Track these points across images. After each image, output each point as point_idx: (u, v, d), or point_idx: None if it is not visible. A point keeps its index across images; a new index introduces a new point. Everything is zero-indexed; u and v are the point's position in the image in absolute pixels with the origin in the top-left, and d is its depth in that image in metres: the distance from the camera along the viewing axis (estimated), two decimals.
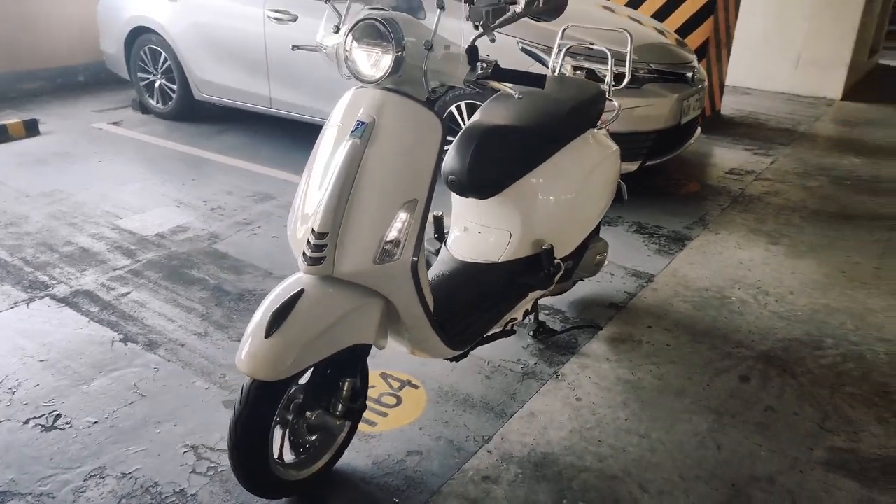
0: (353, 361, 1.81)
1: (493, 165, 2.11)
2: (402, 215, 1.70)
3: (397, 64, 1.67)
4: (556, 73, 2.70)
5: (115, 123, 5.30)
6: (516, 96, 1.74)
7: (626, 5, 5.28)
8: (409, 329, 1.85)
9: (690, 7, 5.11)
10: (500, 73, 1.75)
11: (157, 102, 5.47)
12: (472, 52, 1.73)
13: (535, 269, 2.27)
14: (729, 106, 6.16)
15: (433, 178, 1.73)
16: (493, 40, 1.77)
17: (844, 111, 6.17)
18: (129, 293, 2.90)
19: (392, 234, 1.69)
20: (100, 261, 3.16)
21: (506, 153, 2.14)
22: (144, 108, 5.57)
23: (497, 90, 1.77)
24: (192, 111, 5.34)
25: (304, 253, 1.72)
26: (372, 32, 1.71)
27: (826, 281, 3.12)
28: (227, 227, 3.54)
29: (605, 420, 2.21)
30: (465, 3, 1.76)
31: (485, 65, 1.74)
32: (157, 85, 5.41)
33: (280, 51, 4.55)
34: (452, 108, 3.95)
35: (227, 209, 3.76)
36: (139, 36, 5.30)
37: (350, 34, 1.73)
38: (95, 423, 2.15)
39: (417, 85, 1.76)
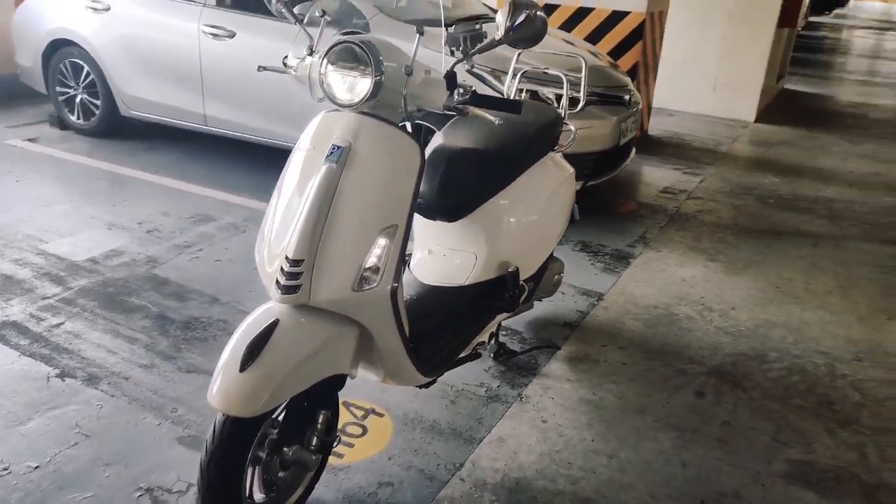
0: (328, 393, 1.74)
1: (463, 188, 2.10)
2: (382, 241, 1.66)
3: (376, 88, 1.64)
4: (511, 97, 2.72)
5: (31, 140, 4.99)
6: (496, 122, 1.74)
7: (559, 28, 5.42)
8: (384, 357, 1.80)
9: (621, 32, 5.29)
10: (477, 99, 1.75)
11: (78, 118, 5.18)
12: (451, 77, 1.73)
13: (501, 292, 2.26)
14: (656, 127, 6.40)
15: (413, 203, 1.70)
16: (471, 66, 1.77)
17: (759, 133, 6.52)
18: (62, 324, 2.71)
19: (371, 261, 1.65)
20: (26, 289, 2.94)
21: (474, 176, 2.13)
22: (63, 124, 5.27)
23: (463, 114, 1.76)
24: (117, 127, 5.10)
25: (276, 281, 1.65)
26: (348, 56, 1.68)
27: (763, 296, 3.26)
28: (165, 251, 3.37)
29: (572, 441, 2.22)
30: (444, 28, 1.75)
31: (462, 90, 1.74)
32: (78, 100, 5.13)
33: (216, 67, 4.40)
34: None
35: (165, 231, 3.59)
36: (59, 49, 5.03)
37: (325, 57, 1.69)
38: (37, 467, 1.99)
39: (393, 109, 1.74)
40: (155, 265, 3.23)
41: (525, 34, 1.63)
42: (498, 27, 1.66)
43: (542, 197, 2.36)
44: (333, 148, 1.69)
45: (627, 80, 4.37)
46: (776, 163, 5.54)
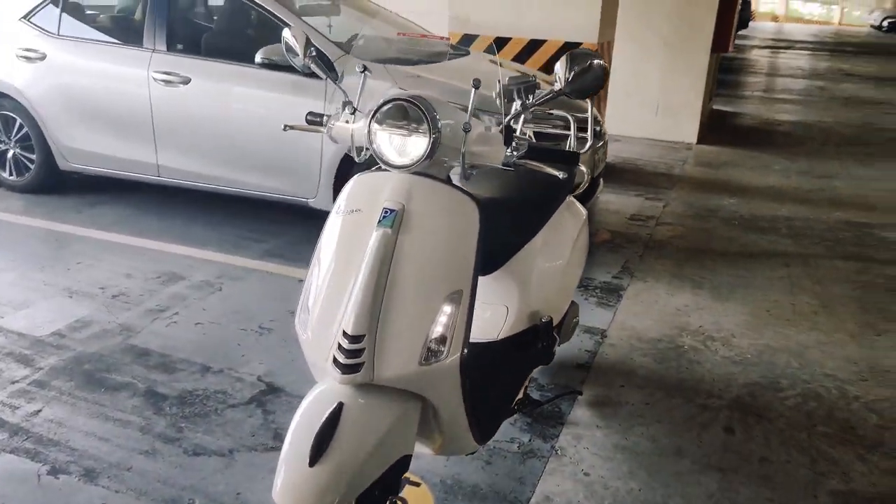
0: (396, 476, 1.60)
1: (496, 240, 2.01)
2: (447, 308, 1.54)
3: (433, 148, 1.54)
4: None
5: None
6: (560, 177, 1.67)
7: (516, 59, 5.45)
8: (445, 428, 1.68)
9: None
10: (535, 153, 1.67)
11: (10, 174, 4.81)
12: (508, 131, 1.64)
13: (533, 343, 2.18)
14: (609, 153, 6.51)
15: (476, 264, 1.59)
16: (529, 119, 1.69)
17: (703, 154, 6.74)
18: (39, 411, 2.44)
19: (437, 331, 1.53)
20: None
21: (507, 226, 2.05)
22: None
23: (520, 169, 1.68)
24: (54, 182, 4.76)
25: (334, 359, 1.50)
26: (398, 115, 1.57)
27: (756, 321, 3.30)
28: (138, 317, 3.12)
29: (619, 494, 2.14)
30: (499, 82, 1.67)
31: (518, 144, 1.66)
32: (10, 155, 4.76)
33: (170, 115, 4.17)
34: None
35: (132, 295, 3.33)
36: None
37: (373, 117, 1.58)
38: None
39: (446, 167, 1.65)
40: (130, 334, 2.98)
41: (585, 84, 1.57)
42: (557, 79, 1.59)
43: (566, 242, 2.30)
44: (386, 212, 1.57)
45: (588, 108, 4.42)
46: (728, 183, 5.72)
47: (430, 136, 1.54)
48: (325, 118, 1.80)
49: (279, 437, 2.33)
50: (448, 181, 1.63)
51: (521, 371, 2.12)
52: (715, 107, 9.18)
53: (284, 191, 4.06)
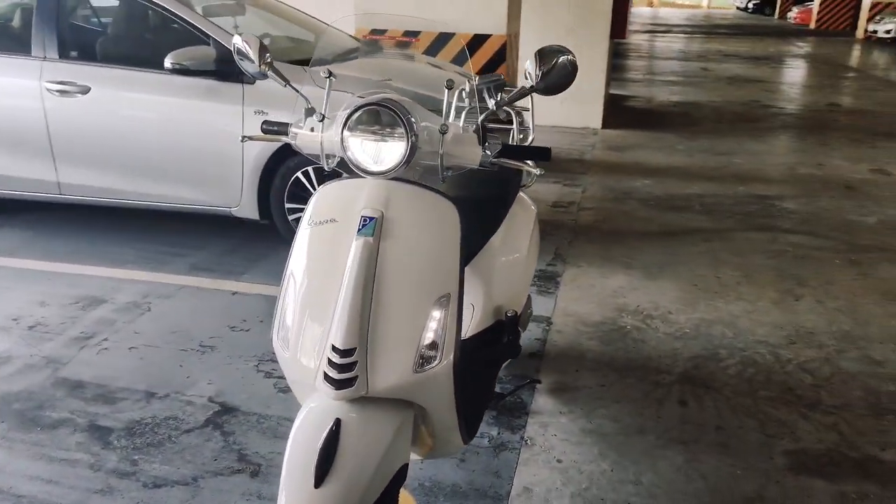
0: (397, 487, 1.57)
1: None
2: (437, 314, 1.52)
3: (412, 152, 1.51)
4: None
5: None
6: (537, 173, 1.67)
7: (426, 52, 5.44)
8: (437, 433, 1.67)
9: (486, 54, 5.42)
10: (509, 151, 1.67)
11: None
12: (483, 130, 1.63)
13: (501, 337, 2.19)
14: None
15: (461, 266, 1.58)
16: (503, 117, 1.69)
17: (609, 138, 6.98)
18: None
19: (429, 337, 1.51)
20: None
21: (471, 223, 2.04)
22: None
23: (494, 168, 1.68)
24: None
25: (325, 375, 1.45)
26: (370, 119, 1.53)
27: (688, 296, 3.46)
28: (63, 347, 2.90)
29: (594, 476, 2.19)
30: (469, 81, 1.65)
31: (492, 142, 1.65)
32: None
33: (69, 128, 3.88)
34: (299, 174, 3.70)
35: (51, 324, 3.09)
36: None
37: (346, 124, 1.53)
38: None
39: (420, 170, 1.62)
40: (58, 366, 2.76)
41: (556, 80, 1.58)
42: (528, 75, 1.59)
43: (523, 236, 2.33)
44: (365, 220, 1.53)
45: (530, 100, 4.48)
46: (638, 165, 5.95)
47: (409, 141, 1.51)
48: (288, 127, 1.73)
49: (245, 458, 2.24)
50: (425, 185, 1.60)
51: (494, 366, 2.13)
52: (612, 91, 9.52)
53: (204, 201, 3.88)
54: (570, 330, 3.12)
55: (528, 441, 2.36)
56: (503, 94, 1.77)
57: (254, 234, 4.06)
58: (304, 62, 3.80)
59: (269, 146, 3.63)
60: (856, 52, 16.81)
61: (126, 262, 3.76)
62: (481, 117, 1.65)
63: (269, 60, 1.73)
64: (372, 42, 4.68)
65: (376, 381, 1.46)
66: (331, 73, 1.69)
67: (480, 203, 2.11)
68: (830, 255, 3.98)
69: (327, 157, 1.68)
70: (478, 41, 5.42)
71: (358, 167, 1.56)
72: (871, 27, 18.81)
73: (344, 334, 1.45)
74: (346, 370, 1.44)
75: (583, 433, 2.40)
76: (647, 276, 3.68)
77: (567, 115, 7.36)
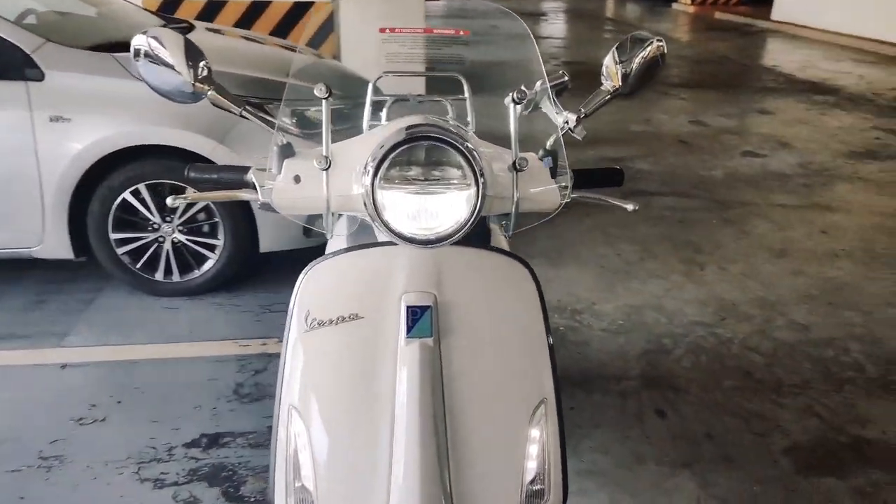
0: None
1: None
2: (535, 433, 1.05)
3: (482, 205, 1.00)
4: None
5: None
6: (630, 209, 1.23)
7: (237, 25, 4.64)
8: None
9: (311, 24, 4.74)
10: (583, 179, 1.21)
11: None
12: (554, 157, 1.15)
13: None
14: None
15: (552, 354, 1.10)
16: (581, 137, 1.21)
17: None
18: None
19: (531, 470, 1.04)
20: None
21: None
22: None
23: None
24: None
25: None
26: (409, 159, 0.99)
27: (601, 281, 3.24)
28: None
29: None
30: (514, 95, 1.13)
31: (560, 171, 1.18)
32: None
33: None
34: (126, 194, 2.85)
35: None
36: None
37: (375, 171, 0.97)
38: None
39: (483, 226, 1.11)
40: None
41: (646, 76, 1.15)
42: (608, 74, 1.14)
43: None
44: (414, 312, 1.00)
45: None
46: None
47: (478, 189, 0.99)
48: (244, 175, 1.11)
49: None
50: (485, 245, 1.09)
51: None
52: None
53: None
54: None
55: None
56: (579, 106, 1.28)
57: (66, 273, 3.13)
58: (97, 47, 2.93)
59: (79, 159, 2.74)
60: (610, 4, 18.10)
61: None
62: (551, 140, 1.17)
63: (206, 73, 1.08)
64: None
65: None
66: (330, 92, 1.09)
67: None
68: (705, 216, 4.00)
69: (317, 216, 1.09)
70: (299, 9, 4.72)
71: (396, 232, 1.01)
72: None
73: (420, 495, 0.92)
74: None
75: (581, 476, 2.05)
76: (551, 264, 3.40)
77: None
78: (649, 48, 1.15)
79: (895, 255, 3.52)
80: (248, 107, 1.11)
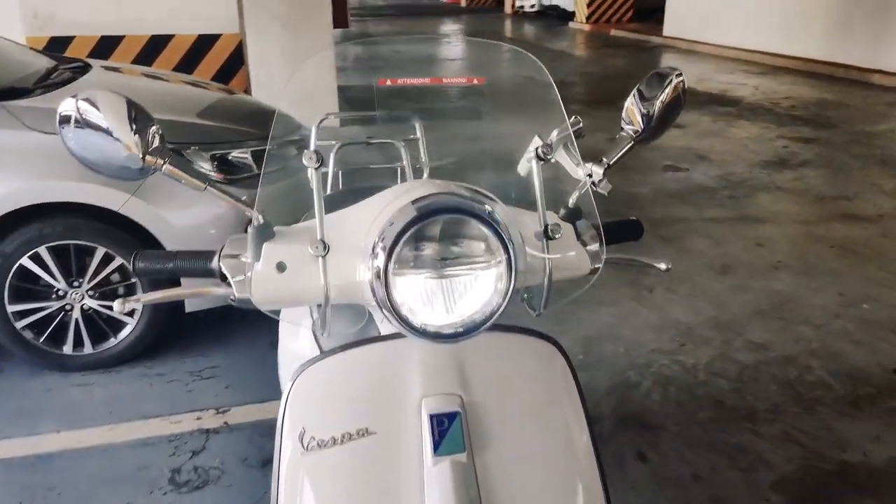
0: None
1: None
2: None
3: (514, 287, 0.82)
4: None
5: None
6: (664, 268, 1.08)
7: (137, 62, 4.27)
8: None
9: (217, 58, 4.44)
10: (610, 234, 1.05)
11: None
12: (578, 216, 0.99)
13: None
14: None
15: (594, 440, 0.93)
16: (607, 192, 1.04)
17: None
18: None
19: None
20: None
21: None
22: None
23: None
24: None
25: None
26: (425, 238, 0.79)
27: (550, 313, 3.11)
28: None
29: None
30: (539, 150, 0.96)
31: (583, 229, 1.01)
32: None
33: None
34: (25, 259, 2.49)
35: None
36: None
37: (389, 254, 0.77)
38: None
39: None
40: None
41: (670, 116, 1.01)
42: (629, 118, 0.99)
43: None
44: (440, 421, 0.81)
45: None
46: None
47: (511, 269, 0.80)
48: (210, 261, 0.88)
49: None
50: (512, 325, 0.91)
51: None
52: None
53: None
54: None
55: None
56: (601, 157, 1.11)
57: None
58: None
59: None
60: (510, 25, 18.47)
61: None
62: (573, 196, 1.00)
63: (157, 142, 0.84)
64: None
65: None
66: (321, 160, 0.87)
67: None
68: (643, 236, 3.96)
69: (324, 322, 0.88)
70: (204, 43, 4.41)
71: (417, 330, 0.80)
72: (517, 2, 20.82)
73: None
74: None
75: None
76: None
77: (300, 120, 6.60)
78: (670, 85, 1.01)
79: (828, 264, 3.59)
80: (212, 182, 0.88)
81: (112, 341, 2.66)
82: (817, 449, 2.24)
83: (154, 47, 4.37)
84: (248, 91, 4.64)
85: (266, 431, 2.30)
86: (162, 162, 0.83)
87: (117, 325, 2.65)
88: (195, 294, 0.90)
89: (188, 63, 4.39)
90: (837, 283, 3.36)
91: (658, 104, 1.01)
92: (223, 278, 0.89)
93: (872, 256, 3.67)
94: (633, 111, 1.03)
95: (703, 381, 2.60)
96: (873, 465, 2.17)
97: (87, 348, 2.64)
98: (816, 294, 3.26)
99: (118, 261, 2.55)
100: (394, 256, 0.78)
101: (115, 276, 2.60)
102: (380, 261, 0.78)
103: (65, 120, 0.80)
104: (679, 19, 12.86)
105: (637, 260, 1.11)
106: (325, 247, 0.85)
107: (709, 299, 3.21)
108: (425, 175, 1.94)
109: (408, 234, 0.78)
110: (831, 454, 2.22)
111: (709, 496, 2.04)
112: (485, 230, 0.80)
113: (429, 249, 0.81)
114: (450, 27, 17.85)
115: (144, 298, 0.90)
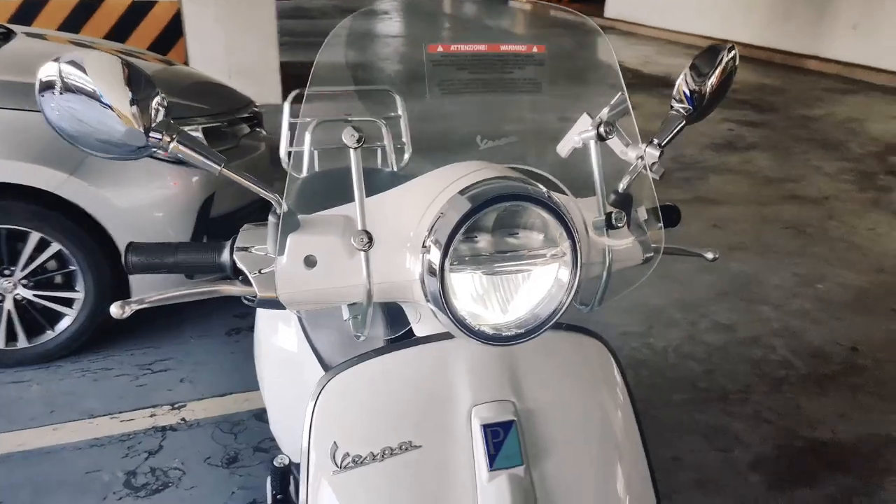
0: None
1: None
2: None
3: (580, 279, 0.73)
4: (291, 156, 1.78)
5: None
6: (710, 257, 1.00)
7: (63, 29, 3.96)
8: None
9: (153, 27, 4.16)
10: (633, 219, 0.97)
11: None
12: (626, 203, 0.90)
13: None
14: None
15: (646, 447, 0.86)
16: (660, 176, 0.95)
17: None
18: None
19: None
20: None
21: None
22: None
23: None
24: None
25: None
26: (484, 228, 0.70)
27: None
28: None
29: None
30: (601, 129, 0.86)
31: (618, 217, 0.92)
32: None
33: None
34: None
35: None
36: None
37: (445, 248, 0.66)
38: None
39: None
40: None
41: (720, 93, 0.93)
42: (682, 95, 0.91)
43: None
44: (493, 433, 0.71)
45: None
46: None
47: (577, 263, 0.71)
48: (218, 254, 0.75)
49: None
50: (563, 323, 0.82)
51: None
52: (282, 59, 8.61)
53: None
54: None
55: None
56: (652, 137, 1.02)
57: None
58: None
59: None
60: (448, 4, 18.27)
61: None
62: (625, 180, 0.91)
63: (162, 114, 0.70)
64: None
65: None
66: (362, 139, 0.75)
67: None
68: None
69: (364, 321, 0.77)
70: (138, 10, 4.12)
71: (475, 333, 0.70)
72: None
73: None
74: None
75: None
76: None
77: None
78: (724, 60, 0.93)
79: (782, 244, 3.65)
80: (227, 164, 0.74)
81: (49, 334, 2.44)
82: (789, 427, 2.25)
83: (82, 13, 4.05)
84: (186, 64, 4.37)
85: (229, 427, 2.16)
86: (169, 139, 0.69)
87: (55, 318, 2.44)
88: (205, 293, 0.76)
89: (121, 31, 4.10)
90: (792, 264, 3.41)
91: (711, 81, 0.93)
92: (237, 274, 0.76)
93: (821, 237, 3.75)
94: (683, 89, 0.95)
95: (674, 364, 2.58)
96: (843, 442, 2.20)
97: (22, 342, 2.41)
98: (774, 274, 3.30)
99: (55, 246, 2.34)
100: (450, 252, 0.67)
101: (52, 264, 2.39)
102: (434, 256, 0.68)
103: (46, 86, 0.64)
104: (620, 2, 12.97)
105: (683, 249, 1.03)
106: (369, 238, 0.73)
107: (673, 280, 3.21)
108: (406, 155, 1.83)
109: (465, 225, 0.67)
110: (803, 433, 2.23)
111: (692, 479, 2.02)
112: (548, 217, 0.71)
113: (483, 241, 0.71)
114: (380, 5, 17.49)
115: (147, 299, 0.75)
